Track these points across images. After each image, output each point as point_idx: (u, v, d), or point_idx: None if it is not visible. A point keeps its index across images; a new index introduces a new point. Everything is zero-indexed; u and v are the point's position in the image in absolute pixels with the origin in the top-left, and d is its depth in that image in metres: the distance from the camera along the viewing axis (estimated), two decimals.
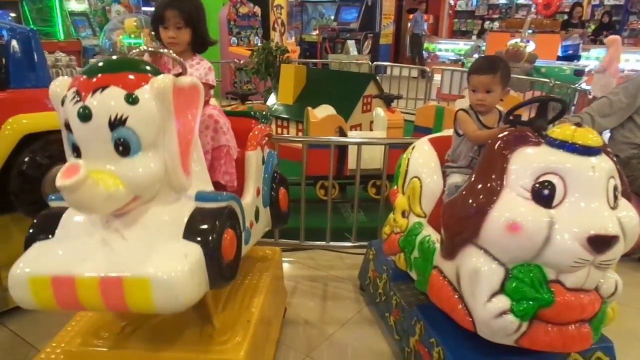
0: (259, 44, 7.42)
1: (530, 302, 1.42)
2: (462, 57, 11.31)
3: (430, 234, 1.88)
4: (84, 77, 1.28)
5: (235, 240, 1.50)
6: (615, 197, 1.42)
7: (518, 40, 7.91)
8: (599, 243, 1.33)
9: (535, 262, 1.44)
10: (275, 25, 8.89)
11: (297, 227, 3.01)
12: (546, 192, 1.40)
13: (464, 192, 1.57)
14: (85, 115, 1.22)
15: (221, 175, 1.84)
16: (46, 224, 1.41)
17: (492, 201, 1.45)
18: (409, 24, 12.81)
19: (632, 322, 2.40)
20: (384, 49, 13.34)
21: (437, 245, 1.78)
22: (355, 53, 10.41)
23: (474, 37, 12.99)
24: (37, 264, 1.31)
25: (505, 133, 1.55)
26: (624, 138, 3.20)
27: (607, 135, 3.36)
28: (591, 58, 9.15)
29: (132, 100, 1.24)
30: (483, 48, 9.97)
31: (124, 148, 1.26)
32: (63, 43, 8.20)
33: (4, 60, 2.33)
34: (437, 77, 7.90)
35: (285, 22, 9.21)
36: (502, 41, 8.30)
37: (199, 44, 1.92)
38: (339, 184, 3.65)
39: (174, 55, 1.71)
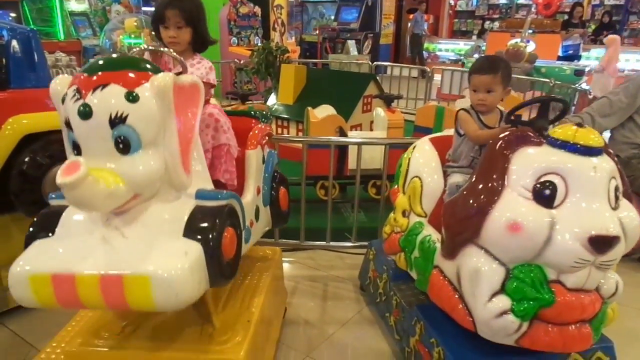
0: (259, 44, 7.41)
1: (531, 302, 1.42)
2: (462, 57, 11.31)
3: (431, 234, 1.88)
4: (85, 75, 1.28)
5: (235, 238, 1.50)
6: (617, 198, 1.42)
7: (518, 40, 7.91)
8: (600, 243, 1.33)
9: (536, 262, 1.44)
10: (276, 25, 8.90)
11: (297, 227, 3.01)
12: (547, 192, 1.39)
13: (465, 192, 1.57)
14: (85, 113, 1.23)
15: (221, 174, 1.84)
16: (46, 222, 1.41)
17: (493, 201, 1.45)
18: (409, 24, 12.81)
19: (632, 322, 2.40)
20: (384, 49, 13.34)
21: (438, 245, 1.78)
22: (356, 53, 10.40)
23: (474, 37, 12.98)
24: (37, 262, 1.31)
25: (507, 133, 1.55)
26: (624, 138, 3.20)
27: (607, 135, 3.35)
28: (591, 58, 9.15)
29: (132, 98, 1.25)
30: (483, 48, 9.97)
31: (124, 146, 1.26)
32: (63, 43, 8.19)
33: (4, 60, 2.33)
34: (437, 77, 7.90)
35: (286, 22, 9.21)
36: (502, 41, 8.30)
37: (200, 43, 1.92)
38: (339, 184, 3.65)
39: (175, 54, 1.71)
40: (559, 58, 8.69)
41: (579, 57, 8.96)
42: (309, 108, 3.72)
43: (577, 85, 6.20)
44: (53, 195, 1.49)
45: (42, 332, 2.13)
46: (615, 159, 1.47)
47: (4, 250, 2.11)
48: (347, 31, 12.29)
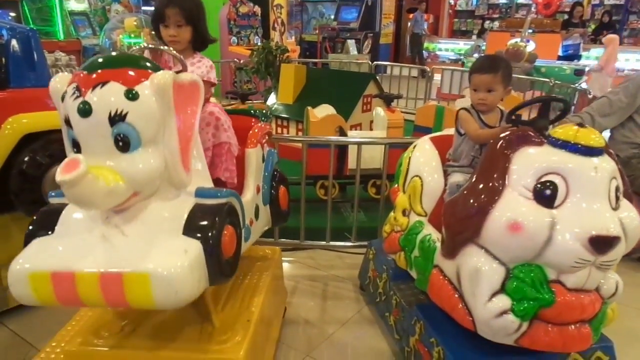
0: (259, 44, 7.41)
1: (531, 302, 1.42)
2: (462, 57, 11.31)
3: (431, 233, 1.87)
4: (84, 72, 1.28)
5: (235, 236, 1.50)
6: (617, 198, 1.42)
7: (518, 40, 7.90)
8: (601, 244, 1.33)
9: (536, 262, 1.43)
10: (275, 25, 8.88)
11: (297, 227, 3.01)
12: (548, 192, 1.39)
13: (465, 192, 1.57)
14: (85, 111, 1.22)
15: (222, 172, 1.84)
16: (46, 220, 1.41)
17: (494, 201, 1.45)
18: (409, 24, 12.82)
19: (632, 322, 2.40)
20: (384, 48, 13.35)
21: (438, 244, 1.78)
22: (355, 53, 10.42)
23: (474, 37, 12.99)
24: (36, 260, 1.31)
25: (507, 132, 1.55)
26: (624, 138, 3.20)
27: (607, 134, 3.35)
28: (591, 58, 9.14)
29: (132, 96, 1.25)
30: (483, 48, 9.98)
31: (123, 144, 1.26)
32: (63, 43, 8.18)
33: (4, 59, 2.32)
34: (437, 77, 7.89)
35: (285, 22, 9.20)
36: (502, 41, 8.30)
37: (200, 41, 1.91)
38: (339, 183, 3.64)
39: (174, 52, 1.71)
40: (559, 58, 8.69)
41: (579, 57, 8.96)
42: (309, 108, 3.72)
43: (577, 84, 6.20)
44: (53, 194, 1.49)
45: (42, 332, 2.13)
46: (616, 159, 1.47)
47: (4, 249, 2.11)
48: (347, 31, 12.30)
